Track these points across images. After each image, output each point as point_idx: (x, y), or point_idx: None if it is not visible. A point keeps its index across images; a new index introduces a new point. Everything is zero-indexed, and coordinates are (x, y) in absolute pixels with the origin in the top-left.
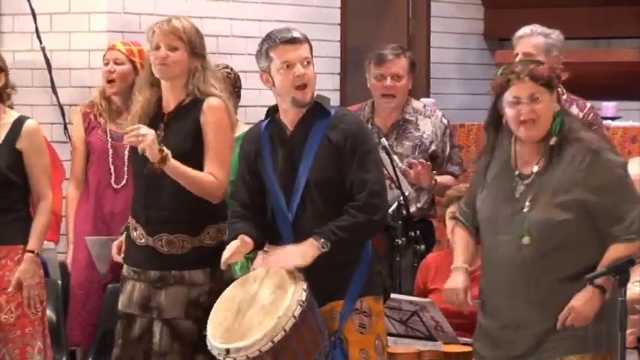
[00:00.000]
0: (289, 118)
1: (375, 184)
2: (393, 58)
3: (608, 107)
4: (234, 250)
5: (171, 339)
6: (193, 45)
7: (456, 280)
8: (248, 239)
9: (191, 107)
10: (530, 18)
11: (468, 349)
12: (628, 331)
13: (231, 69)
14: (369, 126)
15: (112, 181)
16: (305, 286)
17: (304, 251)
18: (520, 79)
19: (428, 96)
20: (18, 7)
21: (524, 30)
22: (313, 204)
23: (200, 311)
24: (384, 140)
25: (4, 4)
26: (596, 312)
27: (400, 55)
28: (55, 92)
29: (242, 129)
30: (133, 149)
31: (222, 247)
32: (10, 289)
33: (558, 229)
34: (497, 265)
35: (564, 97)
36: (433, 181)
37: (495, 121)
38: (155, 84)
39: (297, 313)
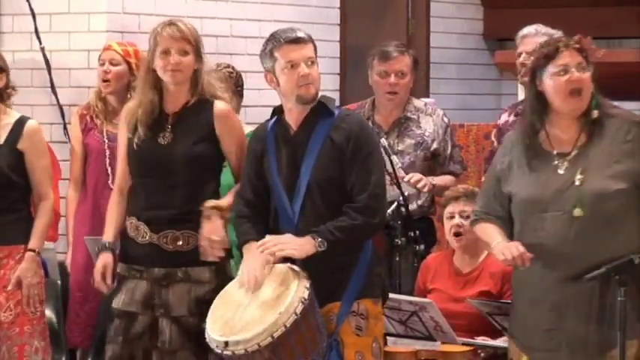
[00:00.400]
0: (293, 117)
1: (376, 187)
2: (397, 55)
3: None
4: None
5: (182, 337)
6: (199, 48)
7: (504, 243)
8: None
9: (198, 109)
10: (530, 18)
11: (465, 348)
12: None
13: (233, 68)
14: (370, 124)
15: (109, 181)
16: (308, 284)
17: (302, 244)
18: (569, 48)
19: (427, 96)
20: (18, 7)
21: (529, 29)
22: (315, 204)
23: (207, 309)
24: (383, 140)
25: (3, 4)
26: None
27: (404, 52)
28: (54, 92)
29: (246, 130)
30: (132, 150)
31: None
32: (9, 287)
33: (612, 199)
34: (545, 243)
35: None
36: (431, 186)
37: (539, 99)
38: (156, 86)
39: (298, 310)
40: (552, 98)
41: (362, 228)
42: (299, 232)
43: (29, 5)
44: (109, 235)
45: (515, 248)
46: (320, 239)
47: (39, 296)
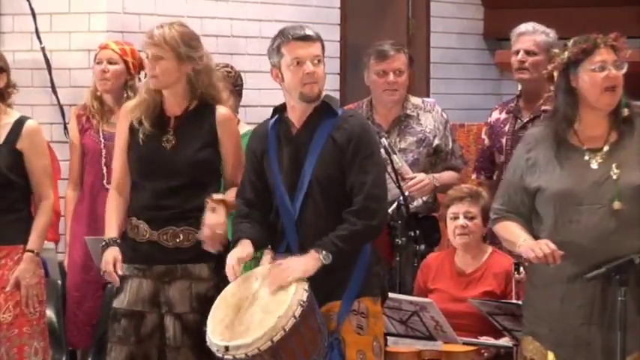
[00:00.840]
0: (296, 115)
1: (373, 188)
2: (394, 54)
3: None
4: (235, 259)
5: (182, 333)
6: (177, 50)
7: (533, 241)
8: (249, 248)
9: (202, 113)
10: (530, 18)
11: (468, 348)
12: None
13: (232, 67)
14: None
15: (105, 182)
16: (306, 286)
17: (305, 265)
18: (606, 45)
19: (428, 96)
20: (18, 7)
21: (526, 27)
22: (316, 203)
23: (209, 306)
24: (383, 140)
25: (4, 4)
26: None
27: (400, 50)
28: (54, 92)
29: (242, 129)
30: (136, 147)
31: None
32: (7, 288)
33: None
34: (581, 236)
35: None
36: (433, 186)
37: (572, 94)
38: (159, 90)
39: (297, 313)
40: (587, 93)
41: (362, 233)
42: (300, 231)
43: (29, 5)
44: (111, 231)
45: (546, 245)
46: (324, 252)
47: (38, 297)
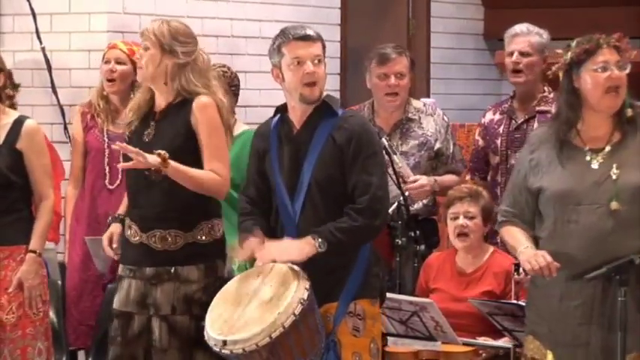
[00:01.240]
0: (297, 115)
1: (378, 189)
2: (396, 57)
3: None
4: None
5: (169, 335)
6: (162, 42)
7: (532, 251)
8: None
9: (180, 106)
10: (530, 18)
11: (466, 348)
12: None
13: (228, 68)
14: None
15: (107, 181)
16: (308, 285)
17: (301, 247)
18: (609, 45)
19: (428, 96)
20: (18, 7)
21: (520, 28)
22: (316, 203)
23: (197, 307)
24: (383, 140)
25: (4, 5)
26: None
27: (402, 53)
28: (55, 92)
29: (241, 128)
30: (123, 155)
31: (215, 244)
32: (10, 289)
33: None
34: (579, 236)
35: (551, 95)
36: (433, 189)
37: (575, 94)
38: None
39: (297, 311)
40: (589, 94)
41: (362, 230)
42: (299, 231)
43: (30, 5)
44: (121, 209)
45: (542, 257)
46: (320, 240)
47: (41, 297)
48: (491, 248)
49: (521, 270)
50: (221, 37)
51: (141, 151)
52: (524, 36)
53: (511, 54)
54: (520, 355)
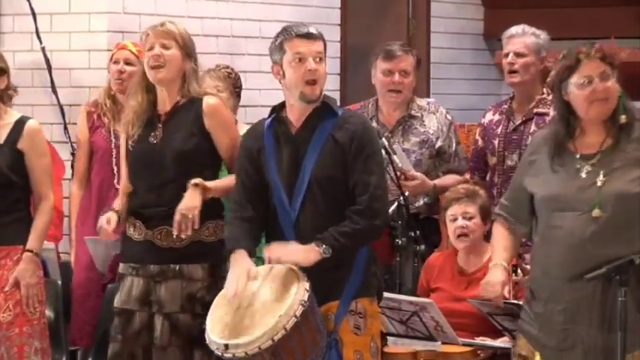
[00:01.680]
0: (295, 114)
1: (377, 189)
2: (401, 55)
3: None
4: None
5: (170, 333)
6: (186, 46)
7: (495, 275)
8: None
9: (189, 106)
10: (530, 18)
11: (465, 349)
12: None
13: (232, 69)
14: (374, 123)
15: (115, 181)
16: (307, 286)
17: (307, 253)
18: (590, 58)
19: (428, 96)
20: (18, 7)
21: (516, 29)
22: (315, 202)
23: (199, 306)
24: (383, 140)
25: (4, 5)
26: None
27: (408, 52)
28: (55, 92)
29: (242, 129)
30: (128, 152)
31: (220, 243)
32: (7, 288)
33: (632, 202)
34: (562, 242)
35: (549, 97)
36: (432, 186)
37: (567, 107)
38: (149, 89)
39: (298, 313)
40: (578, 108)
41: (365, 231)
42: (298, 230)
43: (30, 5)
44: (117, 204)
45: (494, 288)
46: (325, 246)
47: (38, 296)
48: None
49: (519, 271)
50: (221, 37)
51: (183, 207)
52: (519, 37)
53: (507, 55)
54: None
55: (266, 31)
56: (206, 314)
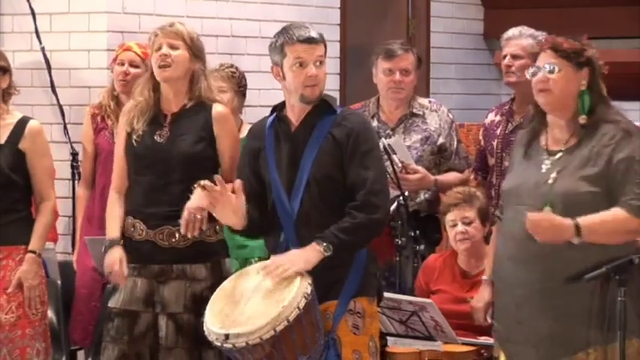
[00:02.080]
0: (295, 113)
1: (375, 183)
2: (402, 54)
3: None
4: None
5: (176, 333)
6: (195, 47)
7: (481, 296)
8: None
9: (198, 110)
10: (530, 18)
11: (468, 348)
12: None
13: (237, 68)
14: (375, 122)
15: None
16: (310, 280)
17: (307, 257)
18: (543, 50)
19: (428, 96)
20: (18, 7)
21: (513, 31)
22: (314, 200)
23: (203, 306)
24: (384, 140)
25: (3, 4)
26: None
27: (408, 50)
28: (54, 92)
29: (246, 129)
30: (131, 147)
31: (220, 242)
32: (10, 289)
33: (580, 200)
34: (515, 236)
35: None
36: (434, 181)
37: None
38: (156, 88)
39: (301, 305)
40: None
41: (365, 226)
42: (297, 227)
43: (29, 5)
44: (113, 231)
45: (477, 319)
46: (325, 244)
47: (40, 297)
48: None
49: None
50: (221, 37)
51: (190, 206)
52: (515, 39)
53: (505, 57)
54: None
55: (266, 31)
56: None
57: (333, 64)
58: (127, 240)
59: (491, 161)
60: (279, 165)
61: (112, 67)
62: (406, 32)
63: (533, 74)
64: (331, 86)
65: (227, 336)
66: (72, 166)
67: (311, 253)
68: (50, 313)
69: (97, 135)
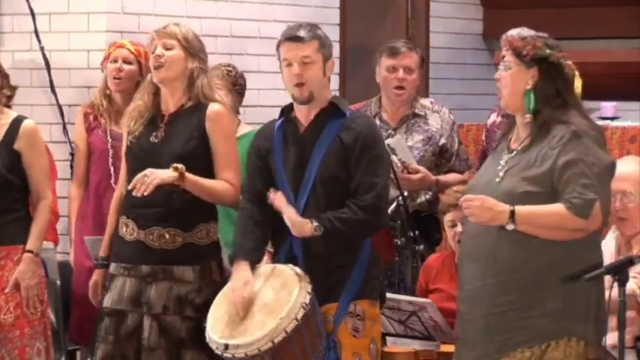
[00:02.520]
0: (303, 115)
1: (384, 189)
2: (405, 51)
3: (607, 107)
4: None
5: (159, 334)
6: (189, 45)
7: None
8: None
9: (194, 110)
10: (529, 18)
11: None
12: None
13: (233, 67)
14: (377, 122)
15: (112, 181)
16: (309, 288)
17: (301, 225)
18: (505, 49)
19: (427, 96)
20: (17, 7)
21: (512, 33)
22: (319, 202)
23: (189, 309)
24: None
25: (3, 4)
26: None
27: (412, 49)
28: (54, 92)
29: (243, 129)
30: (127, 148)
31: (211, 246)
32: (7, 290)
33: (519, 200)
34: (469, 233)
35: None
36: (435, 181)
37: None
38: (157, 92)
39: (299, 316)
40: None
41: (362, 223)
42: None
43: (29, 5)
44: (106, 247)
45: None
46: (317, 224)
47: (39, 297)
48: None
49: None
50: (220, 37)
51: (154, 171)
52: None
53: (504, 57)
54: None
55: (265, 31)
56: (196, 316)
57: None
58: (119, 239)
59: None
60: (286, 166)
61: (104, 66)
62: (405, 32)
63: (498, 72)
64: (331, 86)
65: (227, 346)
66: (71, 166)
67: (304, 226)
68: (49, 313)
69: (90, 134)
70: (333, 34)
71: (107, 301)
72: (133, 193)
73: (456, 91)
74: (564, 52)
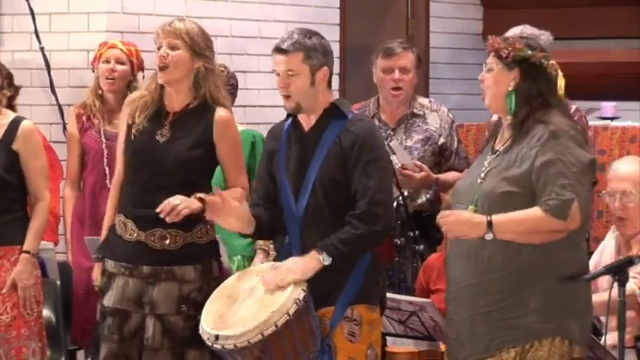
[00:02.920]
0: (304, 119)
1: (377, 193)
2: (401, 52)
3: (607, 107)
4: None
5: (162, 334)
6: (195, 44)
7: None
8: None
9: (201, 112)
10: (529, 18)
11: None
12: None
13: (225, 67)
14: (376, 122)
15: (108, 181)
16: (304, 286)
17: (305, 266)
18: (488, 49)
19: (427, 96)
20: (17, 7)
21: (514, 30)
22: (319, 204)
23: (191, 308)
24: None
25: (3, 4)
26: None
27: (408, 49)
28: (53, 92)
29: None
30: (129, 141)
31: (210, 244)
32: (4, 290)
33: (499, 200)
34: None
35: None
36: (436, 179)
37: None
38: (162, 86)
39: (291, 311)
40: None
41: (365, 237)
42: (302, 230)
43: (29, 5)
44: (104, 237)
45: None
46: (325, 254)
47: (35, 297)
48: None
49: None
50: (220, 37)
51: (184, 199)
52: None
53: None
54: None
55: (265, 31)
56: (198, 315)
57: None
58: (118, 238)
59: None
60: (288, 167)
61: (95, 67)
62: (405, 32)
63: (481, 74)
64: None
65: (217, 337)
66: None
67: (310, 263)
68: (49, 313)
69: (84, 134)
70: (333, 34)
71: (108, 300)
72: (161, 215)
73: (455, 91)
74: (548, 51)
